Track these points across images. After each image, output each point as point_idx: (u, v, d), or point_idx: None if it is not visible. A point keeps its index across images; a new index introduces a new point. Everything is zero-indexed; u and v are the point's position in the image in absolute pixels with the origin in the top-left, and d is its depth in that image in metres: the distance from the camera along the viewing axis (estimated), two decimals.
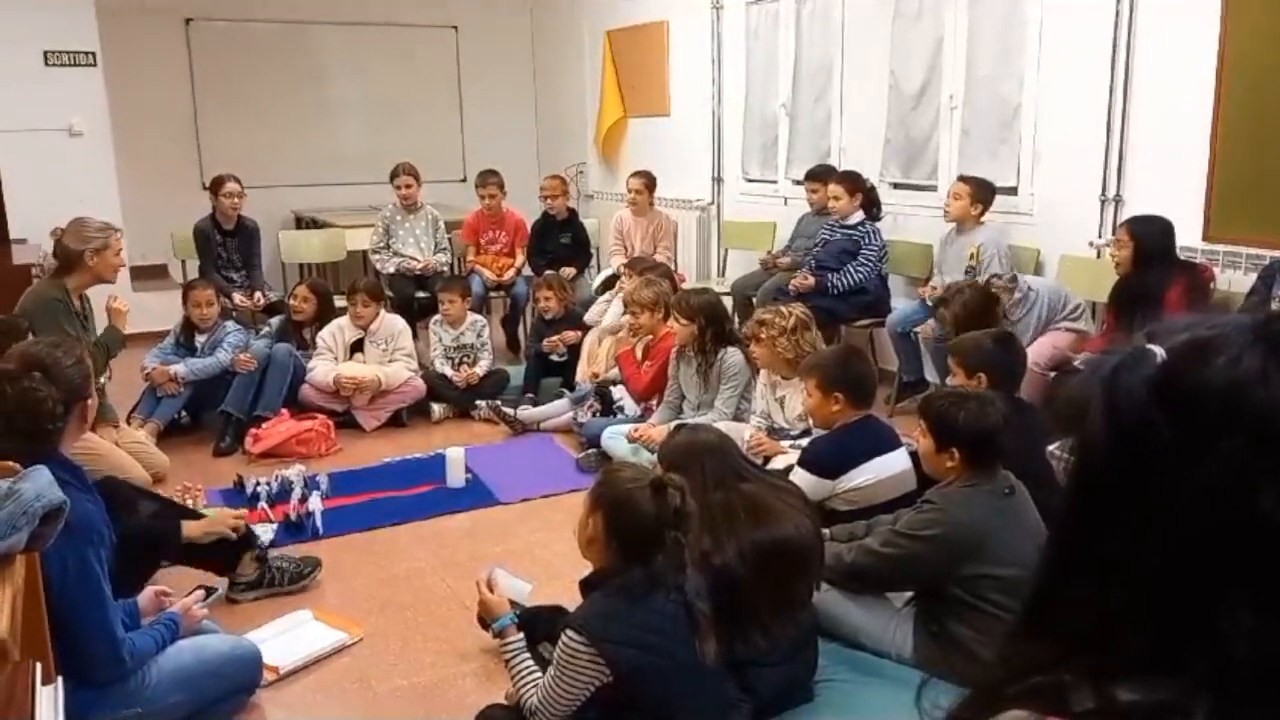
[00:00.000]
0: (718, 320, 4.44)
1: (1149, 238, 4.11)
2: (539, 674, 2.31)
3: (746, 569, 2.42)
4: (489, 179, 6.65)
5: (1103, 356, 0.69)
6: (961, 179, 5.07)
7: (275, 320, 5.70)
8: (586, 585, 2.29)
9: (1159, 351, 0.66)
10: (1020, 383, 3.51)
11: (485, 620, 2.66)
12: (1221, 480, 0.61)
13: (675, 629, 2.19)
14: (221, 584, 3.27)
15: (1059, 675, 0.65)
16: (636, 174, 6.73)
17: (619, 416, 4.84)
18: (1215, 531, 0.61)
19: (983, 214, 4.97)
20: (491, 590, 2.57)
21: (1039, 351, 4.31)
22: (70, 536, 2.16)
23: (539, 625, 2.78)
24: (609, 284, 6.26)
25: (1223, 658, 0.60)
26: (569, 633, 2.17)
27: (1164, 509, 0.63)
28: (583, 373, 5.41)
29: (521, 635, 2.44)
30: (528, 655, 2.39)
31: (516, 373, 5.75)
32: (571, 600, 2.40)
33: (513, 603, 2.64)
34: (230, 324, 5.30)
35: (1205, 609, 0.62)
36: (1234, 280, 4.14)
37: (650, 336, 4.86)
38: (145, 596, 2.75)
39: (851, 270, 5.35)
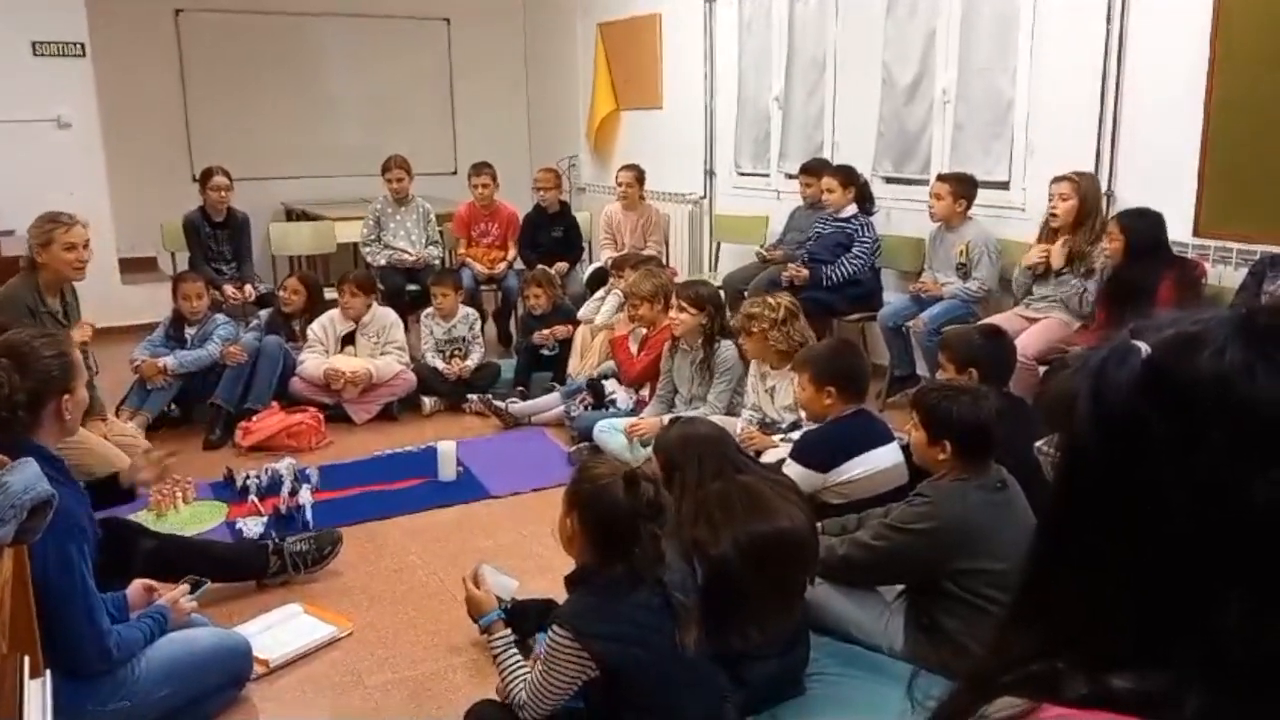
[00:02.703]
0: (721, 311, 4.45)
1: (1139, 231, 4.12)
2: (527, 668, 2.31)
3: (742, 561, 2.42)
4: (482, 170, 6.62)
5: (1089, 353, 0.70)
6: (940, 178, 5.08)
7: (264, 313, 5.68)
8: (571, 581, 2.29)
9: (1143, 347, 0.66)
10: (1010, 377, 3.51)
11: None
12: (1210, 474, 0.61)
13: (660, 623, 2.20)
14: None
15: (1051, 664, 0.65)
16: (626, 167, 6.73)
17: (611, 410, 4.84)
18: (1204, 525, 0.62)
19: (968, 209, 4.98)
20: (478, 586, 2.56)
21: (1029, 344, 4.32)
22: (51, 530, 2.14)
23: (529, 619, 2.78)
24: (597, 277, 6.25)
25: (1212, 650, 0.61)
26: (555, 629, 2.18)
27: (1152, 504, 0.63)
28: (574, 368, 5.41)
29: (508, 630, 2.44)
30: (515, 650, 2.39)
31: (508, 366, 5.74)
32: (561, 594, 2.39)
33: (499, 599, 2.63)
34: (220, 316, 5.27)
35: (1195, 602, 0.62)
36: (1224, 275, 4.16)
37: (649, 328, 4.85)
38: (133, 590, 2.73)
39: (845, 263, 5.36)
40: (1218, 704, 0.60)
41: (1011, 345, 3.62)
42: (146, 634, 2.53)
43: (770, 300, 4.07)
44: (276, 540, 3.47)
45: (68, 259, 4.20)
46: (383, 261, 6.45)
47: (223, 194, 6.08)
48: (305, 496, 3.96)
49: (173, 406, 5.08)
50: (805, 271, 5.37)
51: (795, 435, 3.65)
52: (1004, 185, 5.12)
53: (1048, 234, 4.57)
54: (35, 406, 2.43)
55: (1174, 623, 0.63)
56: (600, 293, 5.80)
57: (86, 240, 4.30)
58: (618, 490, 2.18)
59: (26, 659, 1.70)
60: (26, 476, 1.93)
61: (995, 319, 4.52)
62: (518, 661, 2.35)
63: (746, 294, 5.52)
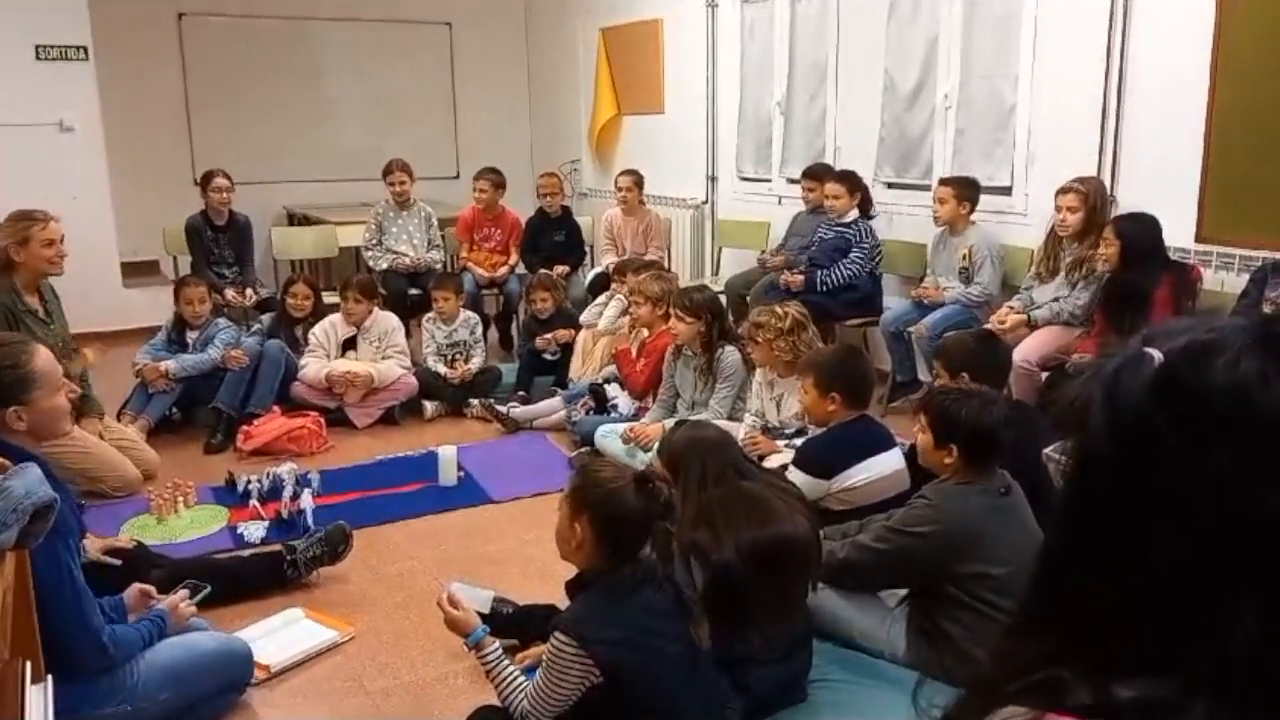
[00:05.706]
0: (721, 317, 4.45)
1: (1135, 236, 4.12)
2: (523, 679, 2.29)
3: (744, 566, 2.41)
4: (483, 174, 6.62)
5: (1102, 360, 0.69)
6: (943, 182, 5.07)
7: (266, 317, 5.68)
8: (573, 587, 2.28)
9: (1157, 354, 0.66)
10: (1005, 380, 3.50)
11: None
12: (1223, 482, 0.61)
13: (664, 625, 2.19)
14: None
15: (1057, 672, 0.65)
16: (625, 173, 6.74)
17: (612, 415, 4.84)
18: (1218, 534, 0.61)
19: (971, 212, 4.98)
20: (455, 608, 2.46)
21: (1030, 350, 4.32)
22: None
23: (532, 624, 2.77)
24: (599, 282, 6.25)
25: (1222, 659, 0.60)
26: (558, 635, 2.15)
27: (1166, 512, 0.63)
28: (576, 372, 5.41)
29: (497, 644, 2.38)
30: (508, 662, 2.35)
31: (509, 371, 5.74)
32: (563, 599, 2.38)
33: (481, 613, 2.58)
34: (221, 320, 5.27)
35: (1207, 610, 0.62)
36: (1226, 281, 4.15)
37: (646, 331, 4.85)
38: (131, 594, 2.72)
39: (842, 266, 5.36)
40: (1226, 712, 0.60)
41: (1005, 349, 3.62)
42: (145, 636, 2.52)
43: (778, 310, 4.05)
44: (287, 554, 3.44)
45: (47, 255, 4.15)
46: (384, 265, 6.45)
47: (224, 195, 6.10)
48: (306, 501, 3.95)
49: (174, 410, 5.08)
50: (800, 277, 5.37)
51: (799, 441, 3.65)
52: (1006, 191, 5.12)
53: (1052, 242, 4.57)
54: None
55: (1185, 631, 0.62)
56: (602, 298, 5.80)
57: (62, 235, 4.23)
58: (630, 492, 2.17)
59: (28, 664, 1.70)
60: (28, 481, 1.93)
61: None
62: (513, 673, 2.32)
63: (749, 299, 5.54)
